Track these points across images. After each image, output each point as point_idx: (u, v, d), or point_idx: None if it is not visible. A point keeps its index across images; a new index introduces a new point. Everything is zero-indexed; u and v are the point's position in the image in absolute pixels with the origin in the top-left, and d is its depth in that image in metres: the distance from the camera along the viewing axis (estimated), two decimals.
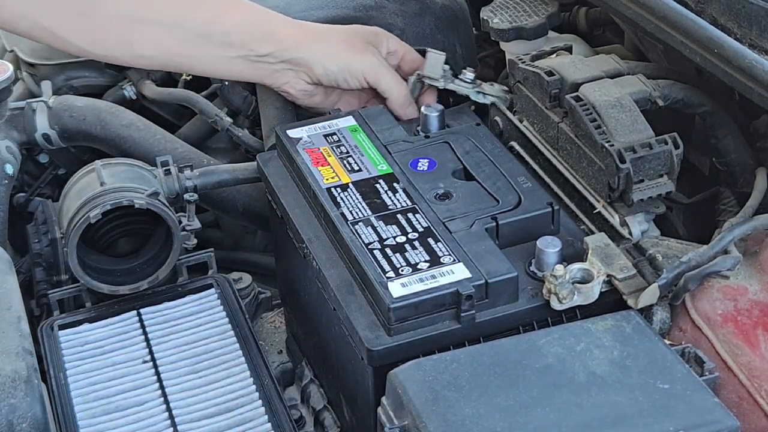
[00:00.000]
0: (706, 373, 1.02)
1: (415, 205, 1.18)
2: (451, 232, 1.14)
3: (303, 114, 1.51)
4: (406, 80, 1.44)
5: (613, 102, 1.19)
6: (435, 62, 1.42)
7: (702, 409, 0.95)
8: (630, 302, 1.07)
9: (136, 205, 1.30)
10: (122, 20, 1.38)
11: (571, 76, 1.24)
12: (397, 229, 1.15)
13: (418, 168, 1.25)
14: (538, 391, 0.97)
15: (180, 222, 1.35)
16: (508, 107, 1.36)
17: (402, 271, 1.09)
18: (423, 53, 1.46)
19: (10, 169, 1.53)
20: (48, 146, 1.61)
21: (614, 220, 1.18)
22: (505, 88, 1.39)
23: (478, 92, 1.39)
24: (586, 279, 1.08)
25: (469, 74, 1.41)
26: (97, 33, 1.38)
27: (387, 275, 1.08)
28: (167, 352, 1.30)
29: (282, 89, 1.46)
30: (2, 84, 1.50)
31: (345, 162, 1.26)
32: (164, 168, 1.42)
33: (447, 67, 1.42)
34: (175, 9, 1.40)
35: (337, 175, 1.24)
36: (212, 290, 1.39)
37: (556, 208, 1.17)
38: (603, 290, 1.09)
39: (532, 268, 1.12)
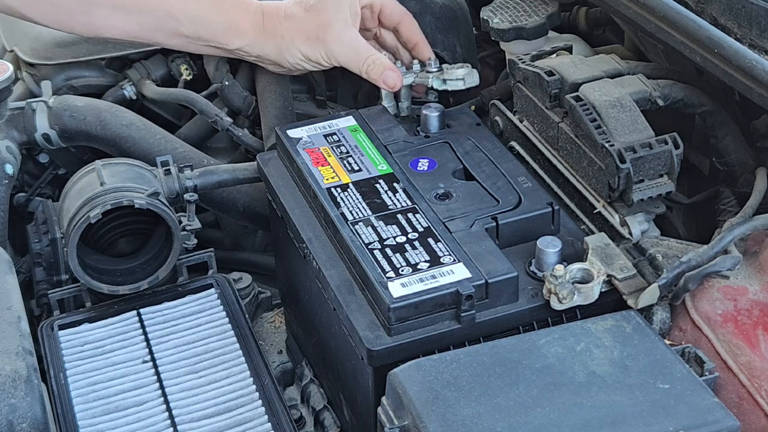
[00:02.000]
0: (706, 373, 1.02)
1: (415, 205, 1.18)
2: (451, 232, 1.14)
3: (303, 114, 1.51)
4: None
5: (613, 102, 1.18)
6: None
7: (702, 409, 0.95)
8: (630, 302, 1.07)
9: (136, 205, 1.30)
10: (81, 5, 1.37)
11: (571, 76, 1.24)
12: (397, 229, 1.15)
13: (418, 168, 1.25)
14: (538, 391, 0.97)
15: (180, 222, 1.35)
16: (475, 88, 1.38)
17: (402, 271, 1.09)
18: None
19: (10, 169, 1.53)
20: (48, 146, 1.61)
21: (614, 220, 1.18)
22: (473, 70, 1.40)
23: (441, 80, 1.40)
24: (586, 279, 1.08)
25: (433, 64, 1.42)
26: (60, 15, 1.38)
27: (387, 275, 1.08)
28: (167, 352, 1.30)
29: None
30: (2, 84, 1.50)
31: (345, 162, 1.26)
32: (164, 168, 1.42)
33: (416, 62, 1.44)
34: None
35: (337, 175, 1.24)
36: (212, 290, 1.39)
37: (556, 208, 1.17)
38: (603, 290, 1.09)
39: (532, 268, 1.12)
